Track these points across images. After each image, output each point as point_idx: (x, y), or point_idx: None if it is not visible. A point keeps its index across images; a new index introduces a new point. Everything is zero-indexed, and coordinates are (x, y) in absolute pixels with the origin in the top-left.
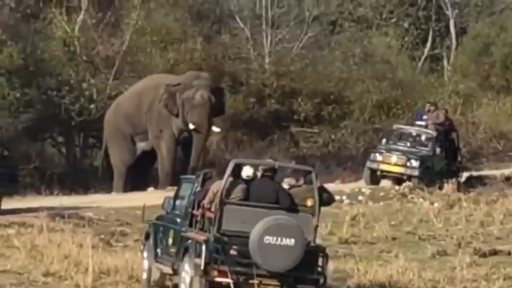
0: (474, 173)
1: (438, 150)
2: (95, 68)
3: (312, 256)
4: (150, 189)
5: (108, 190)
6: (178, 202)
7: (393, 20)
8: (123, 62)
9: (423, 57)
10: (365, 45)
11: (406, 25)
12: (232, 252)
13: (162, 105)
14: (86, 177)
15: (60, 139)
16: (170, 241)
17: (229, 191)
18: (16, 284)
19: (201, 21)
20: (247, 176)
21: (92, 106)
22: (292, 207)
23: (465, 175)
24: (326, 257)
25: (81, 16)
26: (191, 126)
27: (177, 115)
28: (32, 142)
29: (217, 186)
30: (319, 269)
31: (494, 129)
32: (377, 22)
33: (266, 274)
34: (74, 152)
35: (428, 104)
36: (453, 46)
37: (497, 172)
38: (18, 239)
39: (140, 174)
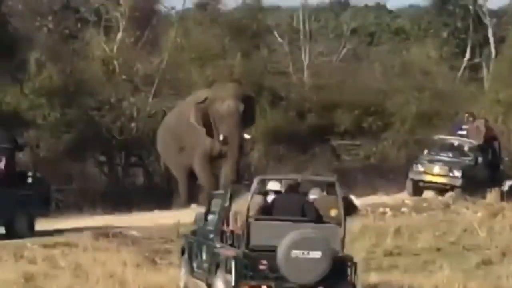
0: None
1: (480, 159)
2: (134, 87)
3: (340, 266)
4: (193, 205)
5: (151, 208)
6: (210, 217)
7: (431, 31)
8: (162, 80)
9: (462, 67)
10: (404, 56)
11: (444, 35)
12: (261, 267)
13: (195, 121)
14: (128, 195)
15: (101, 158)
16: (204, 256)
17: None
18: None
19: (239, 36)
20: (273, 191)
21: (132, 124)
22: (318, 219)
23: (508, 183)
24: (354, 266)
25: (119, 36)
26: (220, 138)
27: (209, 132)
28: (73, 162)
29: (240, 205)
30: (348, 278)
31: None
32: (415, 33)
33: (295, 287)
34: (116, 171)
35: (466, 115)
36: (493, 55)
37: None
38: (62, 259)
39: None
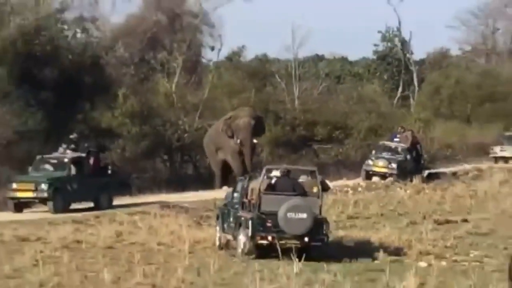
0: (432, 171)
1: (408, 156)
2: (186, 111)
3: (319, 223)
4: (225, 187)
5: (197, 189)
6: (235, 194)
7: (377, 74)
8: (204, 107)
9: (397, 97)
10: (359, 91)
11: (385, 77)
12: (268, 224)
13: (223, 131)
14: (183, 181)
15: (165, 157)
16: (231, 219)
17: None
18: (141, 251)
19: (253, 78)
20: (275, 176)
21: (185, 135)
22: (304, 193)
23: (426, 172)
24: (327, 224)
25: (176, 78)
26: (237, 142)
27: (232, 137)
28: (147, 160)
29: (254, 184)
30: (324, 232)
31: (444, 142)
32: (367, 76)
33: (290, 237)
34: (175, 165)
35: (399, 128)
36: (416, 90)
37: (447, 170)
38: (141, 222)
39: (226, 175)
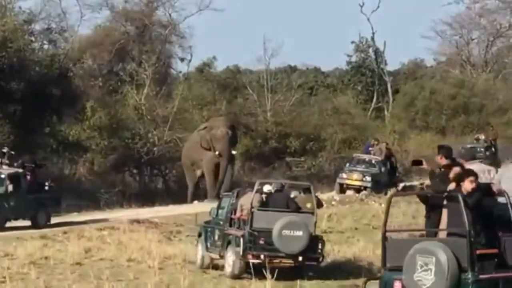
0: (407, 184)
1: (383, 169)
2: (156, 124)
3: (314, 242)
4: (195, 202)
5: (167, 203)
6: (220, 211)
7: (350, 85)
8: (174, 119)
9: (371, 109)
10: (333, 102)
11: (359, 88)
12: (260, 242)
13: (200, 144)
14: (152, 195)
15: (134, 171)
16: (216, 237)
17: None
18: (110, 267)
19: (224, 90)
20: (268, 190)
21: (155, 148)
22: (298, 210)
23: (401, 185)
24: (323, 242)
25: (145, 90)
26: (217, 153)
27: (209, 149)
28: (116, 173)
29: (244, 199)
30: (319, 250)
31: (419, 154)
32: (340, 87)
33: (284, 255)
34: (144, 179)
35: (373, 140)
36: (390, 101)
37: (422, 183)
38: (109, 237)
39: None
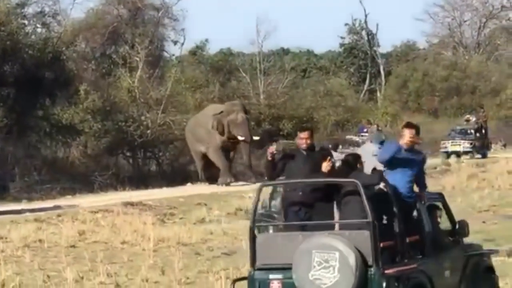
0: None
1: None
2: (149, 107)
3: None
4: (188, 184)
5: (160, 186)
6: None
7: (343, 67)
8: (167, 102)
9: (363, 91)
10: (326, 84)
11: (352, 70)
12: None
13: (214, 128)
14: (146, 178)
15: (128, 154)
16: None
17: None
18: (104, 249)
19: (217, 73)
20: None
21: (148, 131)
22: None
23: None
24: None
25: (138, 72)
26: (241, 138)
27: (222, 133)
28: (110, 156)
29: None
30: None
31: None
32: (333, 69)
33: None
34: (137, 162)
35: (366, 122)
36: (383, 83)
37: None
38: (103, 220)
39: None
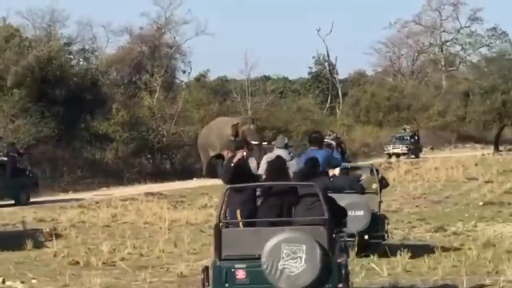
0: (354, 164)
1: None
2: (165, 120)
3: (378, 220)
4: (194, 179)
5: (173, 180)
6: None
7: (311, 90)
8: (178, 117)
9: (326, 108)
10: (298, 103)
11: (317, 92)
12: None
13: (232, 135)
14: (162, 174)
15: (149, 156)
16: None
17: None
18: (130, 228)
19: (216, 94)
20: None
21: (164, 139)
22: (362, 191)
23: (349, 165)
24: (387, 220)
25: (156, 95)
26: (255, 143)
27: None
28: (135, 158)
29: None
30: (384, 228)
31: (362, 142)
32: (303, 91)
33: (347, 235)
34: (156, 162)
35: (329, 131)
36: (341, 102)
37: (365, 163)
38: (130, 206)
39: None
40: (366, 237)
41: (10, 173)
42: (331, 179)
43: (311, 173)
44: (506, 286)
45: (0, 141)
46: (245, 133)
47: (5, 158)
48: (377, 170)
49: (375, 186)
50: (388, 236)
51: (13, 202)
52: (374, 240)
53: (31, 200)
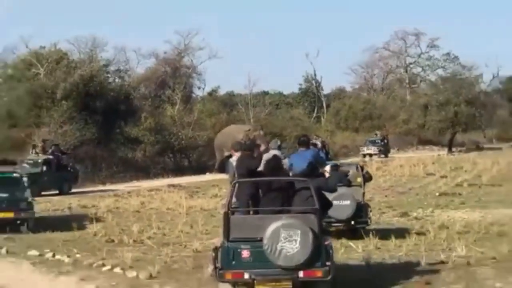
0: (335, 163)
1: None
2: (183, 127)
3: (362, 209)
4: (207, 173)
5: (190, 174)
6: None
7: (301, 103)
8: (194, 124)
9: (313, 117)
10: (290, 113)
11: (306, 104)
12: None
13: (243, 139)
14: (182, 170)
15: (171, 155)
16: None
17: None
18: (156, 213)
19: (225, 106)
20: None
21: (183, 141)
22: (349, 184)
23: (331, 163)
24: (370, 208)
25: (177, 106)
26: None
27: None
28: (160, 157)
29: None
30: (367, 215)
31: (342, 144)
32: (295, 103)
33: (336, 221)
34: (176, 160)
35: (314, 136)
36: (325, 112)
37: (345, 161)
38: (156, 195)
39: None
40: (352, 222)
41: (55, 168)
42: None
43: (311, 173)
44: (457, 260)
45: (47, 143)
46: (256, 138)
47: (51, 157)
48: (361, 167)
49: (359, 179)
50: (370, 222)
51: (57, 192)
52: (359, 225)
53: (72, 190)
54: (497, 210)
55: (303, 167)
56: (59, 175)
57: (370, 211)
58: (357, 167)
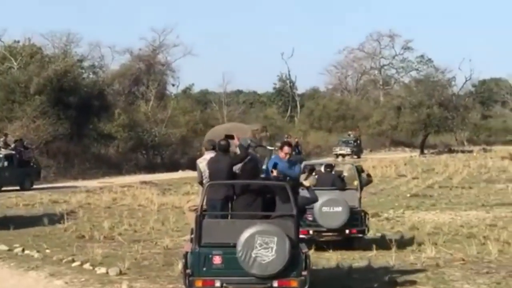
0: (308, 163)
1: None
2: (157, 123)
3: (358, 216)
4: (179, 171)
5: (162, 171)
6: None
7: (275, 102)
8: (168, 121)
9: (287, 116)
10: (264, 112)
11: (280, 104)
12: (309, 218)
13: (252, 138)
14: (154, 167)
15: (143, 152)
16: None
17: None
18: (127, 210)
19: (198, 104)
20: (318, 171)
21: (156, 138)
22: (344, 188)
23: (304, 163)
24: (366, 215)
25: (151, 103)
26: (270, 148)
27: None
28: (132, 153)
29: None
30: (364, 223)
31: (315, 144)
32: (269, 103)
33: (327, 230)
34: (149, 157)
35: (287, 135)
36: (299, 112)
37: (318, 162)
38: (127, 192)
39: None
40: (347, 231)
41: (17, 164)
42: (316, 176)
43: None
44: (426, 261)
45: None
46: (262, 139)
47: (13, 152)
48: (358, 168)
49: (356, 183)
50: (368, 231)
51: (18, 188)
52: (355, 234)
53: (44, 186)
54: (467, 212)
55: (295, 171)
56: (21, 171)
57: (368, 218)
58: (356, 168)
